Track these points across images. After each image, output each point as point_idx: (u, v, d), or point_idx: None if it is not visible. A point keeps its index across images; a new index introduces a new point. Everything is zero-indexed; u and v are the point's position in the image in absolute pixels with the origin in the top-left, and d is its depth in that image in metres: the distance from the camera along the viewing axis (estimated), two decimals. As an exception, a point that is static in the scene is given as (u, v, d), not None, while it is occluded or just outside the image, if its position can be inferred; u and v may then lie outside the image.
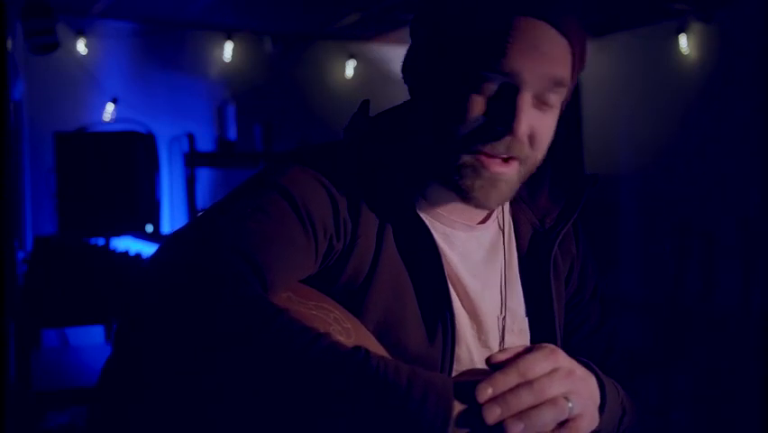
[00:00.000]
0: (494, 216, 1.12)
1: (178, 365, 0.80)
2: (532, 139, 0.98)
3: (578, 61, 0.99)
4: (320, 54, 5.45)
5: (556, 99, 0.98)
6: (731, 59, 4.48)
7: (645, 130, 4.98)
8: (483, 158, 0.96)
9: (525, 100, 0.94)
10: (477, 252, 1.08)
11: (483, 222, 1.10)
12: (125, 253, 3.08)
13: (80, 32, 4.66)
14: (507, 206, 1.14)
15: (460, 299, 1.06)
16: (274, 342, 0.77)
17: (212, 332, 0.78)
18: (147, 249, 3.94)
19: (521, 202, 1.14)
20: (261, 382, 0.78)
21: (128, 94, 4.83)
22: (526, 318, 1.12)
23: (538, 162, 1.02)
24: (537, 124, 0.97)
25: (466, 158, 0.96)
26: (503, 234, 1.12)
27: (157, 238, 4.18)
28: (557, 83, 0.96)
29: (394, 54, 5.36)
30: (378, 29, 5.16)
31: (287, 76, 5.32)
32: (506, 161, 0.97)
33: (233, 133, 4.82)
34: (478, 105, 0.95)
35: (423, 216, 1.03)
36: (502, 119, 0.94)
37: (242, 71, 5.19)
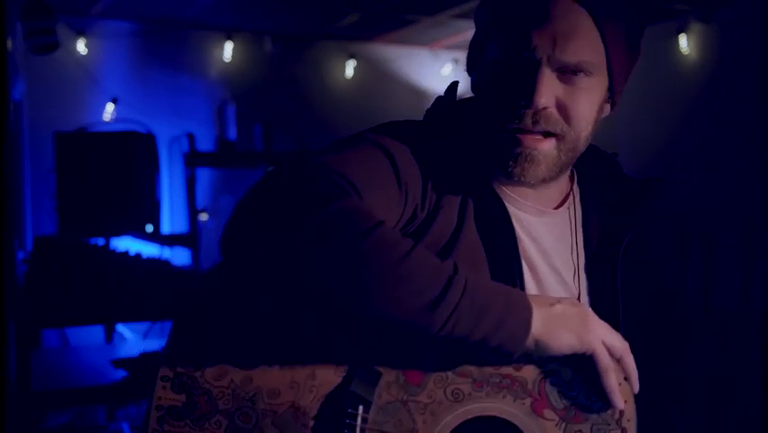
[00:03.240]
0: (567, 204, 1.14)
1: (285, 265, 0.86)
2: (564, 114, 1.01)
3: (614, 50, 1.01)
4: (320, 54, 5.45)
5: (588, 67, 1.00)
6: (731, 59, 4.48)
7: (645, 130, 4.98)
8: (518, 135, 1.00)
9: (544, 73, 0.98)
10: (547, 237, 1.11)
11: (556, 208, 1.12)
12: (125, 253, 3.07)
13: (80, 32, 4.66)
14: (578, 198, 1.16)
15: (532, 281, 1.08)
16: (377, 246, 0.85)
17: (318, 239, 0.84)
18: (147, 249, 3.94)
19: (591, 198, 1.17)
20: (361, 281, 0.84)
21: (128, 94, 4.83)
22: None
23: (580, 140, 1.05)
24: (567, 99, 1.00)
25: (502, 136, 1.01)
26: (573, 224, 1.14)
27: (157, 238, 4.17)
28: (579, 51, 0.99)
29: (394, 54, 5.35)
30: (378, 29, 5.15)
31: (287, 76, 5.32)
32: (544, 137, 1.01)
33: (233, 133, 4.81)
34: (504, 85, 1.01)
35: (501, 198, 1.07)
36: (523, 94, 0.99)
37: (242, 71, 5.19)
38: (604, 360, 0.93)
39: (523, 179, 1.02)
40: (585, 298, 1.12)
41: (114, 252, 3.20)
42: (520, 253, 1.05)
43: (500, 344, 0.87)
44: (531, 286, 1.07)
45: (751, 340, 3.81)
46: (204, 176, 4.93)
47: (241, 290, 0.95)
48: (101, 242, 3.96)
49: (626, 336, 1.11)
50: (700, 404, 3.78)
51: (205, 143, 4.91)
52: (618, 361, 0.96)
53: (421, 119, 1.11)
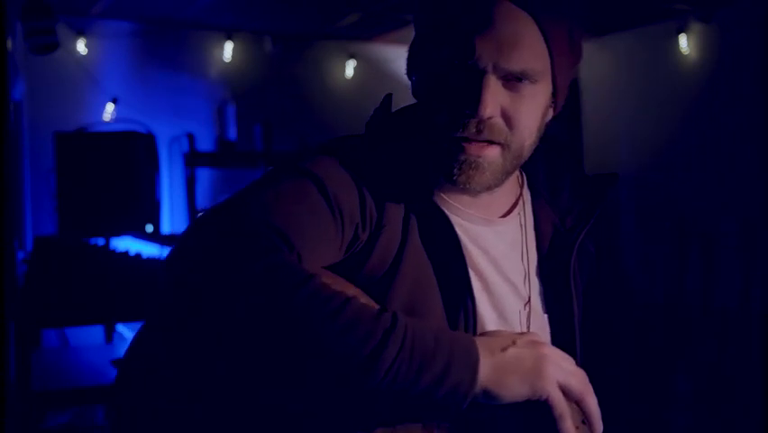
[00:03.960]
0: (516, 211, 1.12)
1: (215, 330, 0.84)
2: (508, 122, 0.99)
3: (559, 56, 1.00)
4: (320, 54, 5.45)
5: (532, 74, 0.98)
6: (731, 59, 4.48)
7: (645, 130, 4.98)
8: (463, 143, 0.99)
9: (489, 82, 0.96)
10: (497, 246, 1.09)
11: (504, 216, 1.11)
12: (125, 253, 3.08)
13: (80, 32, 4.66)
14: (528, 202, 1.15)
15: (483, 292, 1.06)
16: (307, 305, 0.81)
17: (248, 297, 0.82)
18: (147, 249, 3.94)
19: (542, 201, 1.15)
20: (294, 344, 0.82)
21: (128, 94, 4.83)
22: (546, 315, 1.12)
23: (525, 148, 1.03)
24: (511, 107, 0.99)
25: (446, 144, 0.99)
26: (524, 230, 1.12)
27: (157, 238, 4.17)
28: (524, 58, 0.97)
29: (394, 54, 5.35)
30: (378, 29, 5.16)
31: (287, 76, 5.32)
32: (489, 144, 0.99)
33: (233, 133, 4.81)
34: (448, 93, 0.99)
35: (444, 210, 1.05)
36: (468, 103, 0.97)
37: (242, 71, 5.19)
38: (558, 406, 0.88)
39: (468, 186, 1.01)
40: (537, 301, 1.11)
41: (114, 252, 3.21)
42: (469, 264, 1.04)
43: (446, 394, 0.83)
44: (481, 297, 1.06)
45: (751, 340, 3.82)
46: (204, 176, 4.93)
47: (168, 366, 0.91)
48: (101, 242, 3.96)
49: (582, 345, 1.11)
50: (700, 404, 3.78)
51: (205, 143, 4.91)
52: (578, 402, 0.91)
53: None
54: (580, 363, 1.12)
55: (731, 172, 4.43)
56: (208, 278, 0.83)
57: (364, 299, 0.94)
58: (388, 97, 1.10)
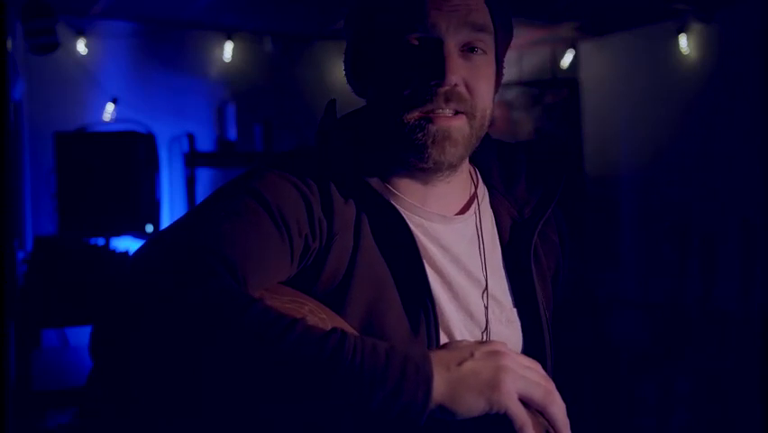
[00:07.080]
0: (472, 207, 1.13)
1: (159, 362, 0.81)
2: (470, 90, 1.01)
3: (501, 29, 1.04)
4: (320, 54, 5.45)
5: (483, 45, 1.02)
6: (731, 59, 4.48)
7: (645, 130, 4.98)
8: (431, 115, 1.00)
9: (450, 49, 0.99)
10: (458, 243, 1.09)
11: (461, 213, 1.11)
12: (125, 253, 3.08)
13: (80, 32, 4.66)
14: (485, 198, 1.16)
15: (445, 290, 1.06)
16: (250, 330, 0.79)
17: (189, 327, 0.80)
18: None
19: (498, 194, 1.16)
20: (241, 371, 0.79)
21: (128, 94, 4.83)
22: (515, 309, 1.12)
23: (486, 117, 1.05)
24: (469, 74, 1.01)
25: (411, 117, 1.00)
26: (479, 228, 1.13)
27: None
28: (477, 28, 1.00)
29: (394, 54, 5.35)
30: (378, 29, 5.16)
31: (287, 76, 5.32)
32: (456, 115, 1.01)
33: (232, 133, 4.81)
34: (407, 67, 1.00)
35: (398, 208, 1.05)
36: (432, 73, 0.99)
37: (242, 71, 5.19)
38: (518, 419, 0.84)
39: (441, 158, 1.02)
40: (505, 296, 1.12)
41: (114, 252, 3.21)
42: (427, 263, 1.04)
43: (401, 412, 0.80)
44: (444, 296, 1.06)
45: (751, 341, 3.81)
46: (204, 176, 4.93)
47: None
48: (101, 242, 3.96)
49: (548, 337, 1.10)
50: (700, 404, 3.78)
51: (205, 143, 4.91)
52: (542, 413, 0.87)
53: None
54: (550, 359, 1.13)
55: (731, 172, 4.43)
56: (151, 307, 0.81)
57: (321, 313, 0.94)
58: (332, 103, 1.11)
